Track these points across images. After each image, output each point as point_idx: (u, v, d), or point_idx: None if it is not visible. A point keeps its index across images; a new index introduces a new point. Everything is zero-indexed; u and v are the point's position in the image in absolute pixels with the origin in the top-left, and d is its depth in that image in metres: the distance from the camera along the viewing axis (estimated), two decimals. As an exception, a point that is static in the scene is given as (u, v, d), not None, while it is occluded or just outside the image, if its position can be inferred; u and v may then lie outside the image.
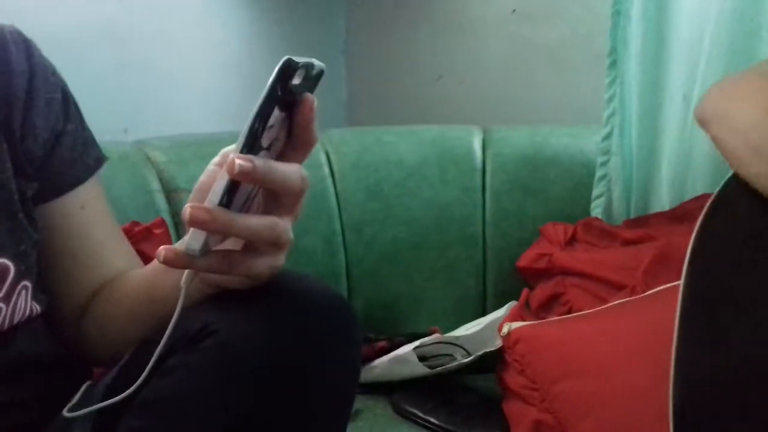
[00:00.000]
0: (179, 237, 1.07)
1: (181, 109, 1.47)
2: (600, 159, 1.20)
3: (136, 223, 0.98)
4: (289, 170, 0.45)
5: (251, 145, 0.44)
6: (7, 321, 0.56)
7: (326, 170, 1.22)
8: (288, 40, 1.69)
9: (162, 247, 0.45)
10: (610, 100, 1.17)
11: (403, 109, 1.74)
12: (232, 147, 0.47)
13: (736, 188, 0.61)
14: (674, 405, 0.57)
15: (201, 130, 1.34)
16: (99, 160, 0.65)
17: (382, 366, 1.04)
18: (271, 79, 0.44)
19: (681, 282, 0.61)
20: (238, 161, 0.42)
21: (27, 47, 0.60)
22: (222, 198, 0.44)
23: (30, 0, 1.22)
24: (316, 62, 0.46)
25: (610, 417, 0.85)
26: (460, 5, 1.64)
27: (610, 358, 0.91)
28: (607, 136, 1.18)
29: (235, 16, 1.60)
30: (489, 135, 1.30)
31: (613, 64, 1.16)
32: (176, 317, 0.47)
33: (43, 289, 0.61)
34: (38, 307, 0.59)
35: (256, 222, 0.45)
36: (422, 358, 1.05)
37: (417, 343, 1.06)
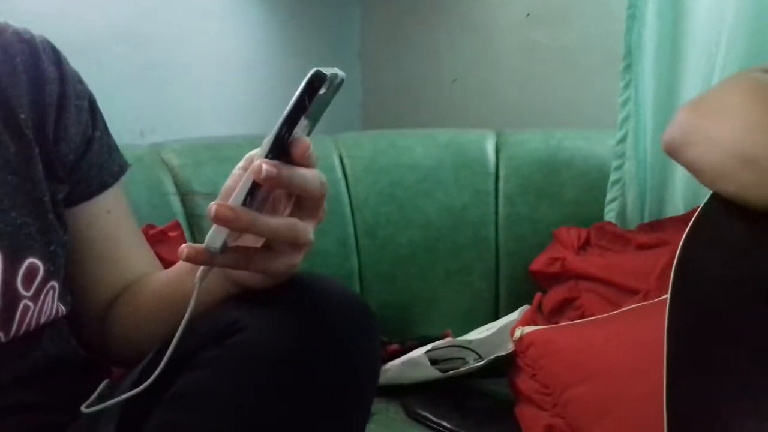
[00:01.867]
0: (194, 240, 1.09)
1: (197, 113, 1.48)
2: (614, 163, 1.19)
3: (151, 226, 0.99)
4: (310, 175, 0.47)
5: (277, 150, 0.46)
6: (34, 320, 0.58)
7: (340, 173, 1.23)
8: (304, 44, 1.70)
9: (184, 245, 0.47)
10: (625, 103, 1.17)
11: (418, 112, 1.74)
12: (257, 151, 0.49)
13: (717, 206, 0.62)
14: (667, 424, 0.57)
15: (217, 133, 1.35)
16: (123, 166, 0.68)
17: (394, 369, 1.05)
18: (299, 89, 0.46)
19: (668, 297, 0.61)
20: (264, 166, 0.45)
21: (56, 56, 0.63)
22: (246, 198, 0.46)
23: (50, 4, 1.24)
24: (339, 72, 0.48)
25: (622, 422, 0.84)
26: (474, 9, 1.64)
27: (622, 364, 0.90)
28: (622, 140, 1.18)
29: (252, 21, 1.61)
30: (503, 138, 1.30)
31: (628, 68, 1.16)
32: (189, 312, 0.49)
33: (69, 291, 0.62)
34: (63, 308, 0.61)
35: (276, 222, 0.47)
36: (434, 362, 1.05)
37: (429, 346, 1.06)
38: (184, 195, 1.10)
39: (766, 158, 0.57)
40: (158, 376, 0.50)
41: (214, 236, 0.47)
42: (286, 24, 1.67)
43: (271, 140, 0.47)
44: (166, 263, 0.74)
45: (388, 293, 1.21)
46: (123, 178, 0.68)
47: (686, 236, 0.63)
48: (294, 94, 0.46)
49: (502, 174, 1.27)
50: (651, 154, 1.18)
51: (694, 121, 0.67)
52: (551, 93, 1.53)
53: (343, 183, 1.22)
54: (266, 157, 0.46)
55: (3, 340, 0.56)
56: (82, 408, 0.54)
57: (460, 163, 1.27)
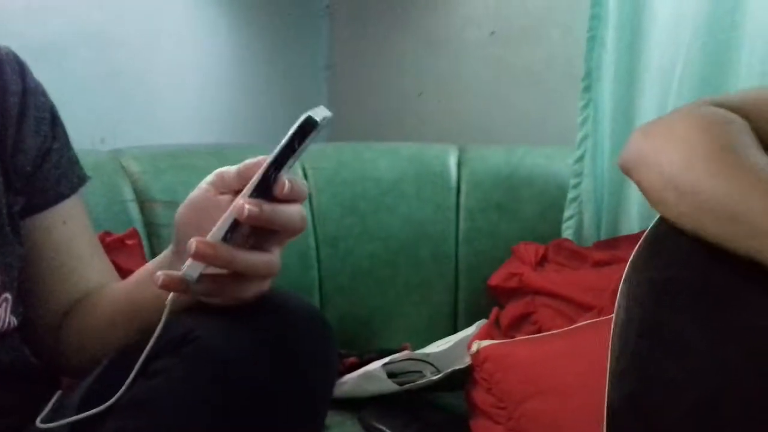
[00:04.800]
0: (151, 248, 1.08)
1: (159, 121, 1.47)
2: (572, 181, 1.21)
3: (108, 233, 0.97)
4: (292, 212, 0.49)
5: (262, 189, 0.47)
6: None
7: (302, 184, 1.23)
8: (270, 55, 1.70)
9: (160, 272, 0.49)
10: (584, 123, 1.19)
11: (384, 126, 1.75)
12: (229, 169, 0.52)
13: (664, 228, 0.64)
14: None
15: (178, 141, 1.34)
16: (82, 178, 0.68)
17: (351, 382, 1.05)
18: (289, 133, 0.48)
19: (613, 318, 0.63)
20: (247, 206, 0.46)
21: (21, 68, 0.63)
22: (226, 234, 0.47)
23: (14, 6, 1.22)
24: (327, 113, 0.49)
25: (574, 437, 0.86)
26: (440, 25, 1.66)
27: (576, 378, 0.92)
28: (580, 159, 1.20)
29: (218, 31, 1.61)
30: (465, 153, 1.32)
31: (588, 88, 1.18)
32: (159, 331, 0.50)
33: (21, 303, 0.62)
34: (15, 320, 0.61)
35: (254, 259, 0.49)
36: (392, 375, 1.05)
37: (387, 359, 1.06)
38: (143, 202, 1.09)
39: (702, 192, 0.60)
40: (111, 387, 0.50)
41: (192, 267, 0.48)
42: (253, 35, 1.67)
43: (257, 180, 0.48)
44: (123, 271, 0.74)
45: (348, 306, 1.22)
46: (81, 190, 0.68)
47: (633, 257, 0.65)
48: (283, 137, 0.48)
49: (463, 189, 1.28)
50: (608, 174, 1.20)
51: (644, 145, 0.69)
52: (514, 110, 1.56)
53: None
54: (251, 195, 0.47)
55: None
56: (38, 422, 0.53)
57: (423, 177, 1.28)
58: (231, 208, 0.48)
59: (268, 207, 0.47)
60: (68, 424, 0.52)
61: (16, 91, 0.61)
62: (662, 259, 0.63)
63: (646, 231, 0.67)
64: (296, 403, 0.51)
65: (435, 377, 1.04)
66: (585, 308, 1.07)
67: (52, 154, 0.64)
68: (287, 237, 0.51)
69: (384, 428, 0.99)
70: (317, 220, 1.22)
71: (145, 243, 1.05)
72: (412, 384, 1.04)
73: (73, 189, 0.66)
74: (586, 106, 1.19)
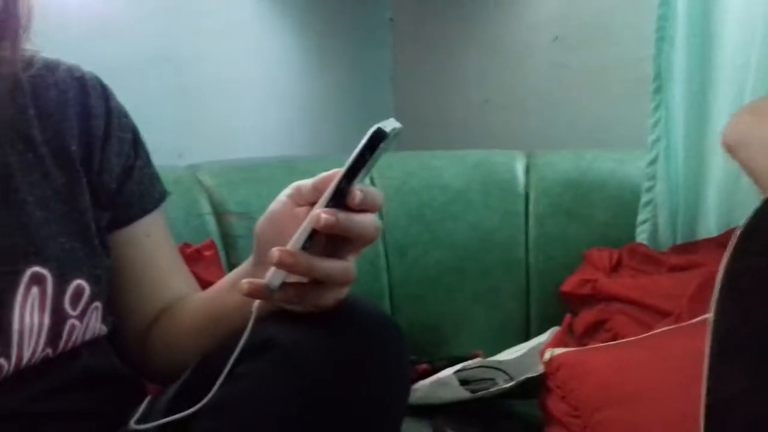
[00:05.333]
0: (228, 259, 1.11)
1: (233, 135, 1.51)
2: (645, 184, 1.19)
3: (187, 245, 1.01)
4: (367, 221, 0.51)
5: (337, 200, 0.50)
6: (80, 338, 0.61)
7: (371, 193, 1.24)
8: (337, 68, 1.74)
9: (245, 280, 0.51)
10: (655, 125, 1.17)
11: (450, 134, 1.76)
12: (306, 182, 0.55)
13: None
14: None
15: (252, 154, 1.38)
16: (163, 193, 0.71)
17: (423, 389, 1.05)
18: (360, 145, 0.50)
19: (710, 317, 0.61)
20: (323, 216, 0.48)
21: (104, 92, 0.67)
22: (304, 243, 0.50)
23: (90, 29, 1.28)
24: (397, 124, 0.51)
25: (653, 446, 0.84)
26: (504, 32, 1.66)
27: (654, 386, 0.90)
28: (653, 162, 1.18)
29: (286, 46, 1.65)
30: (533, 159, 1.31)
31: (658, 90, 1.16)
32: (246, 336, 0.52)
33: (110, 312, 0.66)
34: (105, 328, 0.64)
35: (331, 266, 0.51)
36: (464, 382, 1.05)
37: (459, 366, 1.06)
38: (220, 215, 1.13)
39: None
40: (197, 390, 0.52)
41: (275, 276, 0.50)
42: (320, 49, 1.70)
43: (331, 191, 0.50)
44: (202, 282, 0.76)
45: (418, 313, 1.22)
46: (162, 206, 0.71)
47: (736, 243, 0.61)
48: (355, 149, 0.50)
49: (532, 195, 1.27)
50: (683, 176, 1.17)
51: (751, 123, 0.66)
52: (581, 114, 1.54)
53: (374, 204, 1.24)
54: (326, 206, 0.49)
55: (51, 355, 0.59)
56: (131, 424, 0.56)
57: (490, 185, 1.27)
58: (308, 218, 0.50)
59: (343, 216, 0.49)
60: (157, 426, 0.54)
61: (100, 114, 0.65)
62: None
63: (748, 218, 0.64)
64: (373, 410, 0.52)
65: (508, 385, 1.03)
66: (662, 314, 1.04)
67: (135, 172, 0.68)
68: (362, 245, 0.52)
69: (457, 435, 0.99)
70: (386, 229, 1.23)
71: (221, 254, 1.08)
72: (485, 391, 1.04)
73: (155, 204, 0.70)
74: (657, 107, 1.17)
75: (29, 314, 0.58)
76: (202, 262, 1.00)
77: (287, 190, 0.56)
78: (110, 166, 0.66)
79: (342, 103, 1.74)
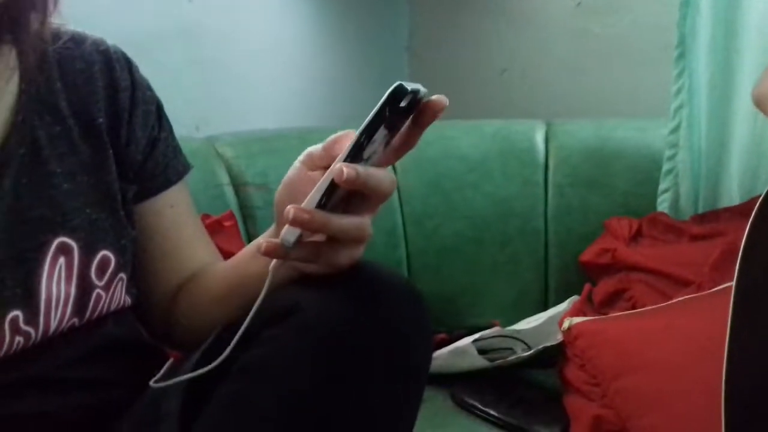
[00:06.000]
0: (247, 229, 1.12)
1: (250, 107, 1.51)
2: (667, 152, 1.17)
3: (206, 216, 1.02)
4: (383, 176, 0.51)
5: (355, 155, 0.49)
6: (105, 308, 0.62)
7: (388, 164, 1.24)
8: (353, 38, 1.72)
9: (264, 240, 0.52)
10: (678, 92, 1.15)
11: (468, 104, 1.73)
12: (317, 147, 0.55)
13: None
14: (725, 411, 0.56)
15: (268, 126, 1.38)
16: (186, 166, 0.72)
17: (441, 357, 1.06)
18: (381, 101, 0.49)
19: (733, 283, 0.60)
20: (345, 169, 0.48)
21: (129, 65, 0.68)
22: (321, 199, 0.49)
23: (106, 3, 1.28)
24: (421, 87, 0.50)
25: (673, 414, 0.84)
26: (523, -2, 1.63)
27: (673, 355, 0.89)
28: (675, 129, 1.16)
29: (302, 16, 1.64)
30: (552, 128, 1.30)
31: (681, 56, 1.14)
32: (262, 297, 0.53)
33: (134, 284, 0.67)
34: (129, 299, 0.66)
35: (347, 222, 0.51)
36: (482, 351, 1.06)
37: (477, 335, 1.06)
38: (238, 186, 1.13)
39: None
40: (220, 355, 0.53)
41: (289, 233, 0.51)
42: (334, 19, 1.69)
43: (351, 146, 0.49)
44: (222, 252, 0.77)
45: (436, 283, 1.22)
46: (186, 177, 0.72)
47: (757, 211, 0.61)
48: (376, 104, 0.49)
49: (551, 164, 1.26)
50: (705, 144, 1.16)
51: None
52: (602, 82, 1.51)
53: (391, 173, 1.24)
54: (345, 161, 0.49)
55: (77, 324, 0.61)
56: (151, 383, 0.57)
57: (509, 154, 1.26)
58: (328, 172, 0.49)
59: (362, 170, 0.49)
60: (178, 396, 0.55)
61: (126, 87, 0.66)
62: None
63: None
64: (398, 376, 0.53)
65: (526, 354, 1.04)
66: (682, 284, 1.04)
67: (160, 144, 0.69)
68: (377, 202, 0.52)
69: (476, 404, 0.99)
70: (403, 199, 1.23)
71: (240, 225, 1.09)
72: (503, 360, 1.04)
73: (179, 176, 0.71)
74: (680, 74, 1.15)
75: (56, 284, 0.59)
76: (223, 232, 1.01)
77: (300, 157, 0.57)
78: (136, 138, 0.66)
79: (358, 73, 1.73)
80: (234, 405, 0.51)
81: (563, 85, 1.58)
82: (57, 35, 0.63)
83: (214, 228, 1.00)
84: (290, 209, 0.49)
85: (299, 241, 0.51)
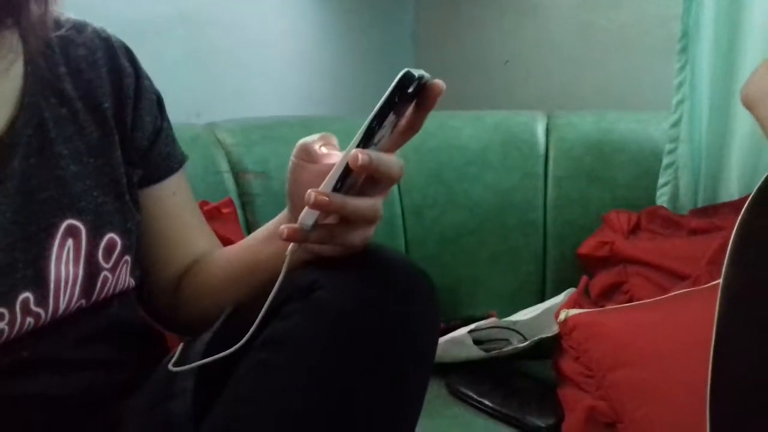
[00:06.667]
0: (246, 216, 1.12)
1: (250, 94, 1.51)
2: (668, 146, 1.17)
3: (205, 202, 1.02)
4: (392, 161, 0.53)
5: (366, 141, 0.52)
6: (111, 290, 0.64)
7: (388, 154, 1.24)
8: (357, 26, 1.71)
9: (283, 225, 0.54)
10: (680, 86, 1.15)
11: (471, 94, 1.74)
12: (309, 138, 0.58)
13: None
14: (711, 408, 0.57)
15: (269, 113, 1.38)
16: (184, 155, 0.74)
17: (437, 347, 1.06)
18: (391, 87, 0.51)
19: (720, 282, 0.60)
20: (360, 155, 0.50)
21: (129, 54, 0.69)
22: (336, 183, 0.52)
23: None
24: (425, 73, 0.53)
25: (666, 407, 0.84)
26: (527, -11, 1.62)
27: (669, 348, 0.90)
28: (676, 123, 1.16)
29: (305, 5, 1.63)
30: (553, 120, 1.29)
31: (684, 49, 1.13)
32: (282, 277, 0.55)
33: (138, 267, 0.68)
34: (133, 281, 0.67)
35: (360, 203, 0.54)
36: (478, 342, 1.06)
37: (473, 325, 1.07)
38: (237, 173, 1.13)
39: None
40: (235, 334, 0.55)
41: (308, 216, 0.53)
42: (341, 8, 1.68)
43: (362, 132, 0.51)
44: (219, 237, 0.78)
45: (434, 274, 1.17)
46: (185, 166, 0.74)
47: (750, 203, 0.61)
48: (384, 91, 0.51)
49: (551, 156, 1.26)
50: (706, 138, 1.15)
51: None
52: (605, 75, 1.51)
53: (391, 164, 1.23)
54: (357, 146, 0.52)
55: (84, 305, 0.62)
56: (170, 366, 0.59)
57: (509, 145, 1.26)
58: (341, 158, 0.52)
59: (374, 155, 0.51)
60: (193, 375, 0.57)
61: (130, 74, 0.67)
62: None
63: (757, 186, 0.63)
64: (409, 352, 0.55)
65: (522, 345, 1.04)
66: (679, 277, 1.04)
67: (162, 133, 0.71)
68: (387, 185, 0.55)
69: (471, 393, 1.00)
70: (403, 190, 1.23)
71: (239, 212, 1.09)
72: (498, 351, 1.05)
73: (179, 164, 0.73)
74: (682, 68, 1.14)
75: (65, 266, 0.60)
76: (221, 219, 1.01)
77: (294, 152, 0.59)
78: (143, 125, 0.68)
79: (362, 62, 1.72)
80: (261, 374, 0.54)
81: (566, 77, 1.58)
82: (58, 23, 0.64)
83: (212, 214, 1.00)
84: (311, 193, 0.51)
85: (317, 224, 0.54)
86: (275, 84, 1.58)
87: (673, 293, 0.99)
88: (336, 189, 0.52)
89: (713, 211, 1.13)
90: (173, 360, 0.60)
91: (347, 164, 0.51)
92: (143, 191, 0.69)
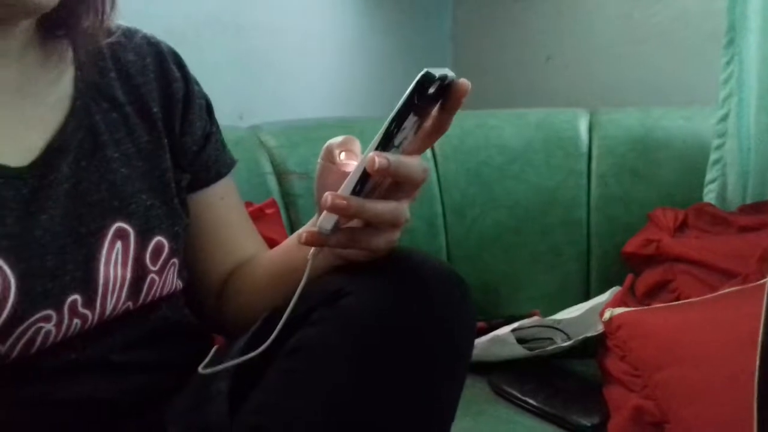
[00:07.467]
0: (289, 217, 1.13)
1: (292, 97, 1.53)
2: (715, 142, 1.15)
3: (249, 204, 1.04)
4: (414, 164, 0.52)
5: (385, 144, 0.50)
6: (158, 292, 0.65)
7: (428, 153, 1.24)
8: (395, 28, 1.72)
9: (303, 230, 0.55)
10: (727, 80, 1.12)
11: (511, 93, 1.73)
12: (334, 140, 0.57)
13: None
14: (759, 408, 0.55)
15: (310, 115, 1.39)
16: (232, 159, 0.75)
17: (480, 346, 1.06)
18: (409, 89, 0.49)
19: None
20: (377, 159, 0.49)
21: (178, 59, 0.70)
22: (355, 187, 0.51)
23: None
24: (449, 72, 0.51)
25: (714, 407, 0.82)
26: (568, -14, 1.61)
27: (717, 347, 0.88)
28: (723, 118, 1.13)
29: (345, 6, 1.65)
30: (596, 117, 1.28)
31: (731, 43, 1.11)
32: (303, 283, 0.55)
33: (185, 269, 0.69)
34: (180, 283, 0.68)
35: (381, 207, 0.52)
36: (521, 341, 1.05)
37: (516, 324, 1.06)
38: (280, 174, 1.15)
39: None
40: (267, 339, 0.55)
41: (326, 220, 0.52)
42: (379, 7, 1.69)
43: (381, 135, 0.50)
44: (264, 238, 0.79)
45: (475, 273, 1.22)
46: (233, 171, 0.75)
47: None
48: (404, 92, 0.50)
49: (595, 154, 1.24)
50: (755, 133, 1.12)
51: None
52: (649, 70, 1.48)
53: (432, 163, 1.24)
54: (376, 149, 0.50)
55: (132, 307, 0.63)
56: (200, 369, 0.59)
57: (552, 143, 1.25)
58: (359, 162, 0.51)
59: (393, 159, 0.50)
60: (227, 379, 0.57)
61: (178, 79, 0.68)
62: None
63: None
64: (440, 359, 0.54)
65: (566, 344, 1.03)
66: (729, 275, 1.02)
67: (212, 137, 0.72)
68: (411, 189, 0.54)
69: (514, 392, 0.99)
70: (443, 188, 1.23)
71: (282, 212, 1.11)
72: (542, 350, 1.04)
73: (227, 169, 0.74)
74: (729, 62, 1.12)
75: (113, 268, 0.60)
76: (265, 219, 1.03)
77: (321, 153, 0.59)
78: (193, 130, 0.69)
79: (400, 62, 1.73)
80: (287, 382, 0.53)
81: (608, 74, 1.56)
82: (109, 30, 0.65)
83: (256, 215, 1.01)
84: (327, 196, 0.51)
85: (337, 227, 0.53)
86: (314, 86, 1.59)
87: (722, 291, 0.97)
88: (355, 192, 0.51)
89: (763, 208, 1.10)
90: (204, 362, 0.61)
91: (365, 167, 0.50)
92: (192, 195, 0.70)
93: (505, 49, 1.74)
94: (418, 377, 0.53)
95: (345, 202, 0.51)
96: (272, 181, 1.14)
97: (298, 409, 0.52)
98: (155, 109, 0.66)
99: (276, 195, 1.13)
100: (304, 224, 0.70)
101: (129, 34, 0.68)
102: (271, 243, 0.80)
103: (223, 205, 0.73)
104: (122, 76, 0.66)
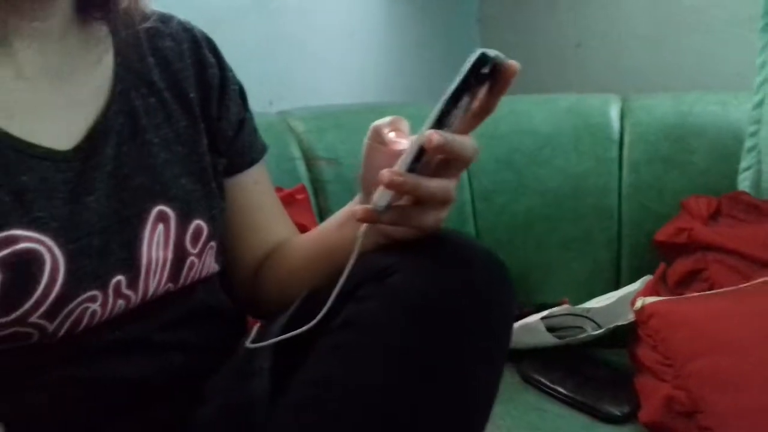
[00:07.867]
0: (318, 202, 1.14)
1: (321, 82, 1.53)
2: (750, 129, 1.13)
3: (278, 189, 1.04)
4: (467, 143, 0.53)
5: (440, 122, 0.51)
6: (197, 275, 0.66)
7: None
8: (423, 13, 1.71)
9: (357, 206, 0.55)
10: (763, 65, 1.10)
11: (541, 79, 1.71)
12: (381, 121, 0.58)
13: None
14: None
15: (339, 101, 1.39)
16: (265, 146, 0.76)
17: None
18: (466, 68, 0.51)
19: None
20: (435, 136, 0.50)
21: (212, 46, 0.71)
22: (411, 164, 0.52)
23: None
24: (501, 55, 0.52)
25: (747, 397, 0.82)
26: (600, -31, 1.58)
27: (751, 337, 0.87)
28: (759, 104, 1.11)
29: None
30: (628, 103, 1.26)
31: (766, 27, 1.08)
32: (354, 258, 0.56)
33: (222, 252, 0.70)
34: (217, 266, 0.69)
35: (435, 185, 0.53)
36: (551, 329, 1.05)
37: (546, 312, 1.06)
38: (309, 160, 1.15)
39: None
40: (311, 316, 0.56)
41: (381, 197, 0.54)
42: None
43: (437, 113, 0.51)
44: (294, 223, 0.79)
45: (506, 259, 1.20)
46: (266, 157, 0.76)
47: None
48: (454, 75, 0.51)
49: (627, 141, 1.23)
50: (792, 119, 1.10)
51: None
52: (682, 55, 1.46)
53: (461, 149, 1.23)
54: (431, 127, 0.51)
55: (172, 289, 0.64)
56: (247, 344, 0.60)
57: (582, 130, 1.24)
58: (416, 139, 0.52)
59: (450, 136, 0.51)
60: (269, 356, 0.58)
61: (213, 65, 0.69)
62: None
63: None
64: (483, 335, 0.55)
65: (596, 332, 1.03)
66: (762, 265, 1.00)
67: (246, 123, 0.73)
68: (461, 167, 0.54)
69: (543, 380, 0.99)
70: (472, 175, 1.22)
71: (311, 197, 1.11)
72: (571, 338, 1.04)
73: (261, 154, 0.75)
74: (765, 47, 1.09)
75: (155, 250, 0.62)
76: (294, 205, 1.03)
77: (369, 133, 0.59)
78: (228, 115, 0.70)
79: (428, 48, 1.72)
80: (338, 355, 0.54)
81: (640, 59, 1.53)
82: (145, 15, 0.66)
83: (286, 200, 1.01)
84: (385, 173, 0.51)
85: (390, 205, 0.54)
86: (343, 71, 1.59)
87: (756, 281, 0.96)
88: (410, 170, 0.52)
89: (800, 196, 1.08)
90: (250, 339, 0.62)
91: (421, 145, 0.51)
92: (227, 180, 0.71)
93: (533, 34, 1.72)
94: (466, 354, 0.54)
95: (402, 178, 0.51)
96: (301, 167, 1.14)
97: (351, 380, 0.53)
98: (192, 95, 0.67)
99: (305, 180, 1.13)
100: (333, 210, 0.71)
101: (165, 19, 0.68)
102: (302, 228, 0.80)
103: (257, 190, 0.74)
104: (160, 61, 0.66)
